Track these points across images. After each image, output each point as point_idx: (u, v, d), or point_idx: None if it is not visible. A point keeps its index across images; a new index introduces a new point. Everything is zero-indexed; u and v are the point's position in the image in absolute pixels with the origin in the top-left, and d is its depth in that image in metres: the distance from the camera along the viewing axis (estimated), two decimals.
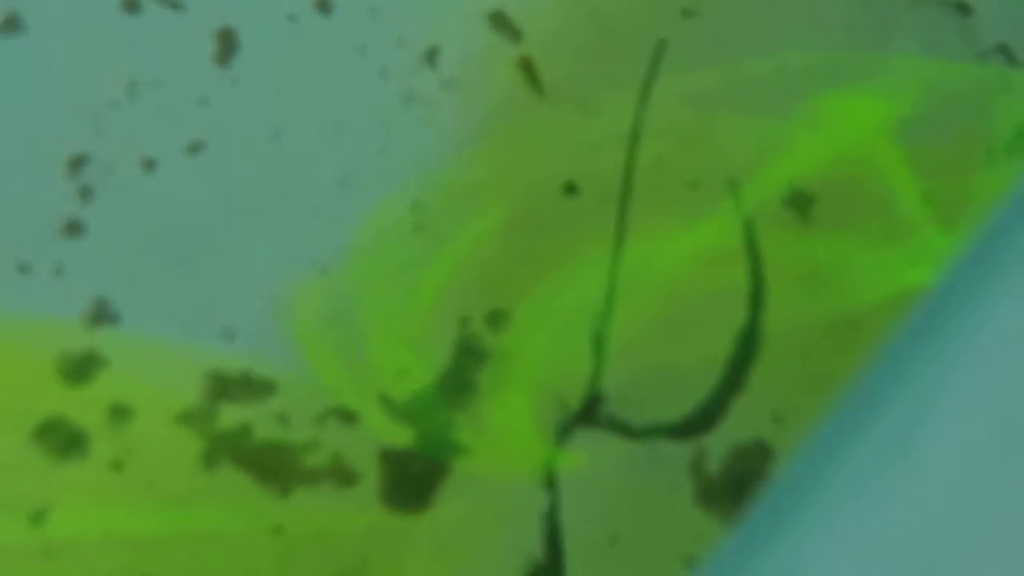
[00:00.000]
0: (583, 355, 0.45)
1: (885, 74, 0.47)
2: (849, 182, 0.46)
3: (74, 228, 0.44)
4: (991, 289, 0.44)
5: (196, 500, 0.43)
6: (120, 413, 0.42)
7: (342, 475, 0.43)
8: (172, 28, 0.47)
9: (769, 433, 0.44)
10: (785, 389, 0.46)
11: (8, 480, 0.43)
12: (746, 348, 0.46)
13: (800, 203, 0.45)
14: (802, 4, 0.51)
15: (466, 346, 0.44)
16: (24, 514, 0.41)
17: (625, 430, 0.44)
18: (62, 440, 0.41)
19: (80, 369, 0.43)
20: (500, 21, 0.48)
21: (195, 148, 0.47)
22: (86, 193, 0.46)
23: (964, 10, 0.48)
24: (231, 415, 0.43)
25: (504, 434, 0.44)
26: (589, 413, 0.45)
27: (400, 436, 0.43)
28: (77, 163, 0.45)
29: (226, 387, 0.43)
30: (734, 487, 0.45)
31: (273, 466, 0.43)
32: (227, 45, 0.46)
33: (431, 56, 0.47)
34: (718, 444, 0.44)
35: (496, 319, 0.44)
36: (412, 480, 0.43)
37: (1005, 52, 0.47)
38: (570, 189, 0.46)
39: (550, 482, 0.44)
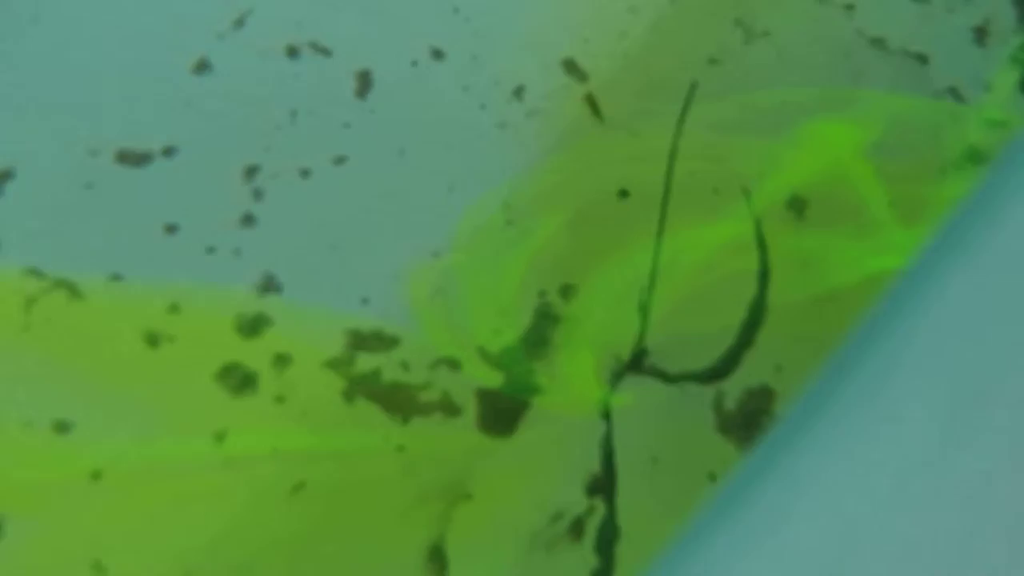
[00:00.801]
0: (632, 319, 0.51)
1: (860, 107, 0.53)
2: (833, 190, 0.52)
3: (248, 220, 0.50)
4: (946, 273, 0.44)
5: (339, 426, 0.50)
6: (282, 360, 0.49)
7: (448, 408, 0.50)
8: (323, 69, 0.52)
9: (773, 380, 0.50)
10: (785, 347, 0.52)
11: (197, 410, 0.50)
12: (755, 315, 0.51)
13: (797, 206, 0.51)
14: (798, 54, 0.54)
15: (543, 312, 0.51)
16: (209, 435, 0.49)
17: (663, 376, 0.52)
18: (238, 380, 0.50)
19: (252, 326, 0.50)
20: (571, 66, 0.52)
21: (340, 161, 0.52)
22: (258, 194, 0.51)
23: (922, 60, 0.53)
24: (365, 362, 0.50)
25: (571, 379, 0.51)
26: (636, 364, 0.52)
27: (492, 379, 0.51)
28: (251, 171, 0.51)
29: (362, 341, 0.50)
30: (746, 421, 0.51)
31: (397, 401, 0.50)
32: (365, 83, 0.52)
33: (518, 93, 0.52)
34: (734, 388, 0.51)
35: (566, 292, 0.51)
36: (501, 413, 0.50)
37: (954, 93, 0.52)
38: (623, 194, 0.52)
39: (606, 415, 0.50)
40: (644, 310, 0.52)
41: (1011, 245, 0.46)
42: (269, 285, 0.51)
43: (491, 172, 0.52)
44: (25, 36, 0.57)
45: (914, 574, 0.40)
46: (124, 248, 0.50)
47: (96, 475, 0.48)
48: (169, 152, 0.52)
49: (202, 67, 0.52)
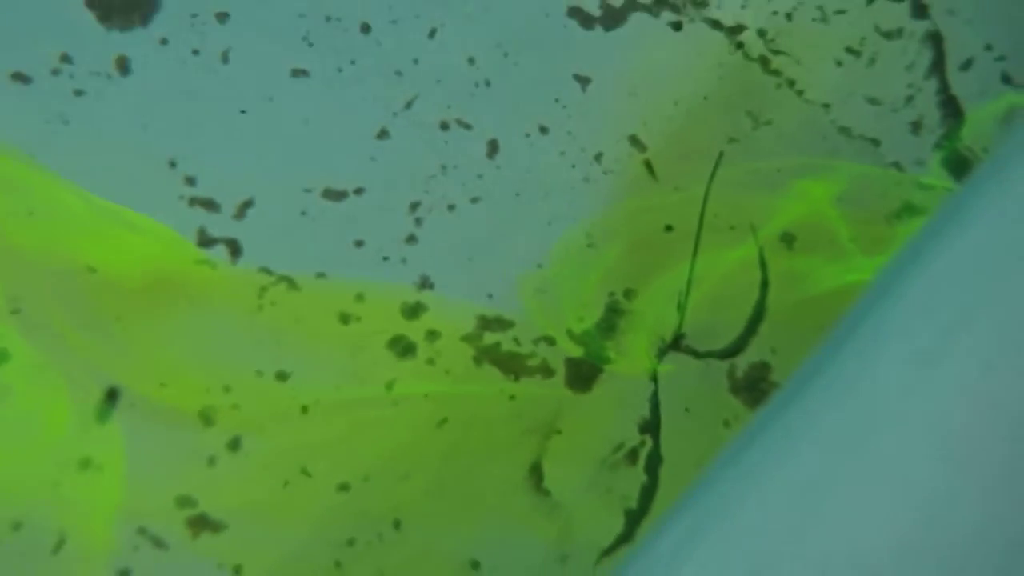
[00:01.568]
0: (673, 314, 0.59)
1: (832, 172, 0.61)
2: (813, 228, 0.59)
3: (412, 239, 0.59)
4: (896, 283, 0.49)
5: (470, 381, 0.58)
6: (432, 335, 0.58)
7: (546, 371, 0.59)
8: (465, 138, 0.60)
9: (770, 359, 0.59)
10: (779, 335, 0.59)
11: (374, 367, 0.57)
12: (758, 313, 0.60)
13: (788, 239, 0.59)
14: (791, 136, 0.62)
15: (612, 307, 0.60)
16: (382, 385, 0.58)
17: (694, 353, 0.60)
18: (402, 348, 0.58)
19: (413, 311, 0.59)
20: (635, 140, 0.59)
21: (475, 200, 0.59)
22: (418, 222, 0.59)
23: (876, 143, 0.61)
24: (489, 338, 0.59)
25: (631, 353, 0.59)
26: (675, 344, 0.60)
27: (576, 351, 0.59)
28: (414, 206, 0.59)
29: (487, 323, 0.59)
30: (750, 386, 0.59)
31: (510, 365, 0.59)
32: (493, 148, 0.60)
33: (598, 157, 0.60)
34: (742, 363, 0.59)
35: (628, 294, 0.59)
36: (582, 375, 0.59)
37: (897, 166, 0.59)
38: (668, 228, 0.59)
39: (654, 379, 0.59)
40: (682, 309, 0.61)
41: (943, 261, 0.50)
42: (425, 283, 0.60)
43: (578, 211, 0.60)
44: (268, 109, 0.60)
45: (893, 496, 0.45)
46: (326, 255, 0.58)
47: (305, 409, 0.57)
48: (359, 191, 0.59)
49: (383, 134, 0.59)
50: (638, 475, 0.58)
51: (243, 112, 0.59)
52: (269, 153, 0.59)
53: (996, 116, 0.63)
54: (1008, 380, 0.46)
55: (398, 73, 0.61)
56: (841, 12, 0.64)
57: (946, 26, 0.64)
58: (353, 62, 0.60)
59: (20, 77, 0.58)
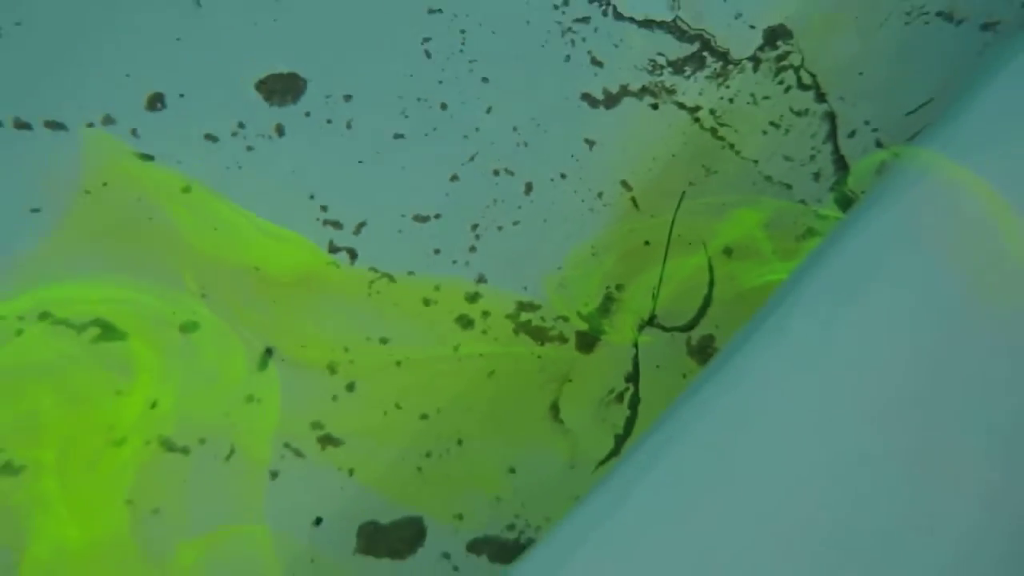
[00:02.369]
0: (650, 302, 0.61)
1: (760, 205, 0.62)
2: (746, 243, 0.62)
3: (472, 249, 0.62)
4: (801, 281, 0.52)
5: (509, 344, 0.61)
6: (485, 314, 0.60)
7: (562, 339, 0.61)
8: (510, 182, 0.62)
9: (715, 332, 0.61)
10: (721, 316, 0.62)
11: (446, 335, 0.60)
12: (707, 302, 0.62)
13: (728, 251, 0.60)
14: (732, 181, 0.63)
15: (608, 297, 0.61)
16: (451, 347, 0.60)
17: (663, 328, 0.61)
18: (465, 322, 0.60)
19: (472, 298, 0.61)
20: (625, 184, 0.61)
21: (516, 223, 0.62)
22: (478, 237, 0.62)
23: (789, 187, 0.62)
24: (524, 316, 0.61)
25: (620, 328, 0.61)
26: (650, 322, 0.61)
27: (583, 326, 0.61)
28: (474, 227, 0.62)
29: (523, 306, 0.61)
30: (701, 351, 0.61)
31: (538, 334, 0.61)
32: (529, 188, 0.62)
33: (600, 195, 0.61)
34: (696, 335, 0.61)
35: (619, 288, 0.61)
36: (587, 342, 0.61)
37: (803, 202, 0.62)
38: (647, 243, 0.61)
39: (635, 346, 0.61)
40: (655, 298, 0.62)
41: (830, 267, 0.52)
42: (481, 279, 0.61)
43: (586, 232, 0.62)
44: (377, 160, 0.63)
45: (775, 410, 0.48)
46: (415, 259, 0.61)
47: (398, 363, 0.59)
48: (437, 216, 0.62)
49: (454, 178, 0.61)
50: (623, 410, 0.60)
51: (360, 162, 0.62)
52: (378, 190, 0.62)
53: (871, 169, 0.64)
54: (860, 354, 0.50)
55: (465, 137, 0.63)
56: (767, 98, 0.66)
57: (838, 108, 0.66)
58: (435, 128, 0.63)
59: (210, 136, 0.61)
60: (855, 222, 0.54)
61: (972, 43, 0.67)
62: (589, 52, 0.66)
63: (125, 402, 0.57)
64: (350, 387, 0.59)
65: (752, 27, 0.67)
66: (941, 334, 0.51)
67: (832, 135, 0.66)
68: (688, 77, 0.66)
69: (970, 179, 0.53)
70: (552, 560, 0.48)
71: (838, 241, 0.54)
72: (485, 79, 0.64)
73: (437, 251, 0.62)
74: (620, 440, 0.60)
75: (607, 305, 0.62)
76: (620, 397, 0.61)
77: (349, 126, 0.63)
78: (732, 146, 0.65)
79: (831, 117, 0.67)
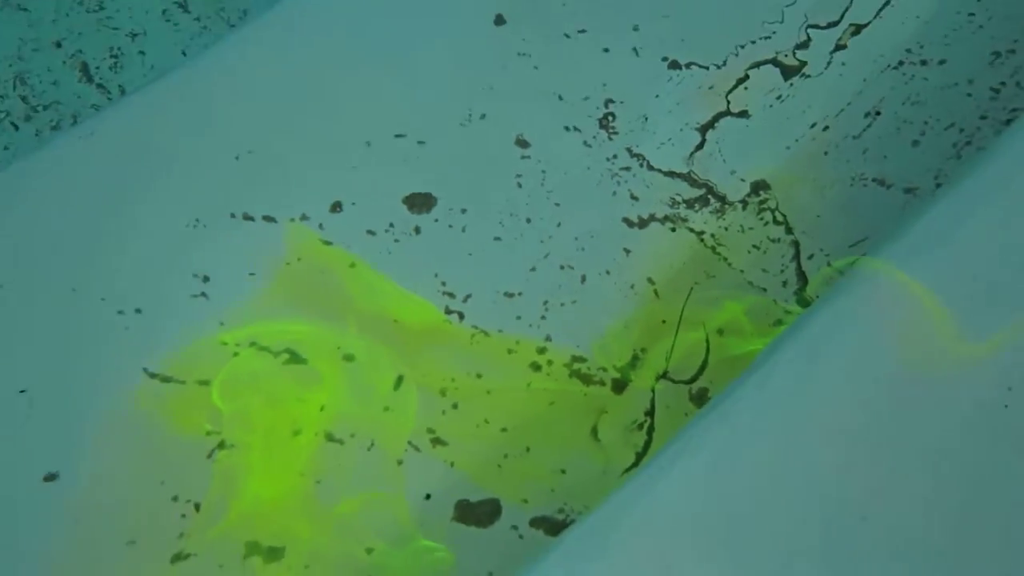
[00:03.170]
0: (664, 362, 0.74)
1: (745, 300, 0.76)
2: (732, 325, 0.75)
3: (544, 318, 0.72)
4: (777, 354, 0.63)
5: (565, 384, 0.74)
6: (549, 362, 0.73)
7: (601, 383, 0.74)
8: (570, 276, 0.74)
9: (709, 386, 0.73)
10: (714, 375, 0.73)
11: (520, 374, 0.72)
12: (704, 364, 0.74)
13: (721, 330, 0.75)
14: (726, 285, 0.77)
15: (635, 356, 0.74)
16: (524, 382, 0.72)
17: (672, 380, 0.74)
18: (534, 367, 0.74)
19: (540, 351, 0.74)
20: (650, 280, 0.72)
21: (574, 302, 0.74)
22: (546, 311, 0.75)
23: (763, 290, 0.75)
24: (576, 365, 0.75)
25: (642, 378, 0.74)
26: (664, 375, 0.74)
27: (616, 375, 0.74)
28: (545, 303, 0.73)
29: (576, 359, 0.75)
30: (699, 398, 0.74)
31: (585, 378, 0.74)
32: (584, 279, 0.74)
33: (633, 287, 0.73)
34: (695, 387, 0.74)
35: (644, 351, 0.74)
36: (618, 386, 0.74)
37: (775, 301, 0.73)
38: (663, 322, 0.74)
39: (653, 390, 0.74)
40: (668, 359, 0.75)
41: (790, 347, 0.62)
42: (548, 338, 0.73)
43: (622, 314, 0.74)
44: (484, 250, 0.75)
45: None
46: (503, 322, 0.73)
47: (488, 392, 0.71)
48: (520, 294, 0.74)
49: (533, 269, 0.73)
50: (643, 435, 0.72)
51: (470, 255, 0.76)
52: (480, 274, 0.76)
53: (823, 281, 0.77)
54: (820, 404, 0.60)
55: (541, 241, 0.79)
56: (751, 228, 0.80)
57: (801, 239, 0.80)
58: (521, 235, 0.79)
59: (370, 232, 0.75)
60: (813, 311, 0.65)
61: (897, 201, 0.81)
62: (629, 190, 0.81)
63: (303, 406, 0.71)
64: (454, 406, 0.72)
65: (742, 180, 0.83)
66: (880, 394, 0.60)
67: (796, 256, 0.79)
68: (697, 211, 0.81)
69: (899, 277, 0.63)
70: (589, 534, 0.59)
71: (801, 323, 0.65)
72: (557, 203, 0.79)
73: (519, 317, 0.76)
74: (639, 456, 0.72)
75: (634, 362, 0.75)
76: (640, 426, 0.72)
77: (463, 230, 0.78)
78: (726, 259, 0.79)
79: (796, 244, 0.80)
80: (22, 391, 0.69)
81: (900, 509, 0.58)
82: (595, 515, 0.59)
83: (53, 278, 0.72)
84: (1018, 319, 0.63)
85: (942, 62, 0.84)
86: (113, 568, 0.64)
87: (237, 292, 0.75)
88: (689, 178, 0.81)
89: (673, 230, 0.80)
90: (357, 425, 0.71)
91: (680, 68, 0.84)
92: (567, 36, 0.84)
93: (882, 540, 0.57)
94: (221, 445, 0.70)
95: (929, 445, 0.60)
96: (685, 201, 0.81)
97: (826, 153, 0.81)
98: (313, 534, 0.66)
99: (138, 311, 0.73)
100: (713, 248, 0.80)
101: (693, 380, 0.75)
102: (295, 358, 0.73)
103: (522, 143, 0.79)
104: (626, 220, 0.80)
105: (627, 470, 0.71)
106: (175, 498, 0.67)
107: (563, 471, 0.71)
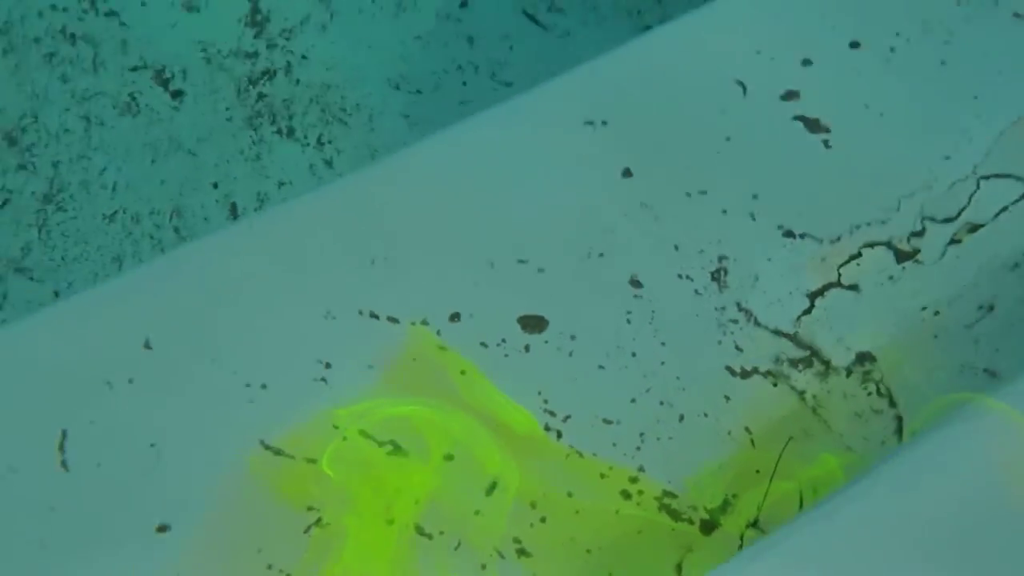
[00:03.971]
0: (755, 510, 0.76)
1: (843, 457, 0.78)
2: (829, 478, 0.77)
3: (639, 448, 0.76)
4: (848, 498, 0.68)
5: (654, 515, 0.75)
6: (640, 492, 0.75)
7: (690, 521, 0.74)
8: (670, 414, 0.78)
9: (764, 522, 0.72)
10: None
11: (610, 498, 0.76)
12: (799, 508, 0.74)
13: (817, 482, 0.76)
14: (817, 441, 0.80)
15: (726, 501, 0.76)
16: (613, 507, 0.74)
17: (762, 530, 0.74)
18: (624, 495, 0.76)
19: (632, 480, 0.76)
20: (748, 430, 0.77)
21: (671, 438, 0.80)
22: (641, 445, 0.78)
23: (862, 454, 0.76)
24: (667, 500, 0.75)
25: (732, 522, 0.76)
26: (754, 523, 0.75)
27: (706, 516, 0.76)
28: (642, 435, 0.76)
29: (667, 494, 0.76)
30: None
31: (674, 514, 0.75)
32: (682, 418, 0.78)
33: (729, 433, 0.78)
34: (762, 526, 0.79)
35: (735, 496, 0.77)
36: (707, 526, 0.75)
37: (861, 458, 0.80)
38: (757, 472, 0.79)
39: (741, 537, 0.76)
40: (759, 508, 0.77)
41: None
42: (641, 469, 0.76)
43: (716, 454, 0.78)
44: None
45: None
46: (600, 447, 0.77)
47: (577, 512, 0.74)
48: (616, 422, 0.80)
49: (633, 401, 0.79)
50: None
51: (574, 380, 0.80)
52: (582, 398, 0.80)
53: (910, 432, 0.78)
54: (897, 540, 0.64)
55: (644, 375, 0.80)
56: (854, 395, 0.81)
57: (904, 413, 0.83)
58: (626, 367, 0.81)
59: (483, 344, 0.79)
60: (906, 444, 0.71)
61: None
62: (735, 341, 0.83)
63: (400, 496, 0.76)
64: (543, 519, 0.74)
65: (848, 348, 0.85)
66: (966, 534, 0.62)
67: (899, 431, 0.81)
68: (800, 371, 0.82)
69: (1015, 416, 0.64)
70: None
71: (901, 451, 0.71)
72: (663, 343, 0.81)
73: (614, 444, 0.77)
74: None
75: (725, 506, 0.76)
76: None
77: (571, 354, 0.81)
78: (826, 421, 0.80)
79: (899, 419, 0.81)
80: (152, 444, 0.77)
81: None
82: None
83: (198, 349, 0.82)
84: None
85: None
86: None
87: (354, 381, 0.81)
88: (795, 339, 0.82)
89: (775, 385, 0.82)
90: (448, 523, 0.74)
91: (794, 237, 0.90)
92: (688, 195, 0.91)
93: None
94: (318, 522, 0.74)
95: None
96: (789, 360, 0.82)
97: (936, 336, 0.83)
98: None
99: (263, 387, 0.81)
100: (814, 409, 0.81)
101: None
102: (398, 450, 0.77)
103: (635, 283, 0.84)
104: (729, 368, 0.82)
105: None
106: (269, 567, 0.74)
107: None
